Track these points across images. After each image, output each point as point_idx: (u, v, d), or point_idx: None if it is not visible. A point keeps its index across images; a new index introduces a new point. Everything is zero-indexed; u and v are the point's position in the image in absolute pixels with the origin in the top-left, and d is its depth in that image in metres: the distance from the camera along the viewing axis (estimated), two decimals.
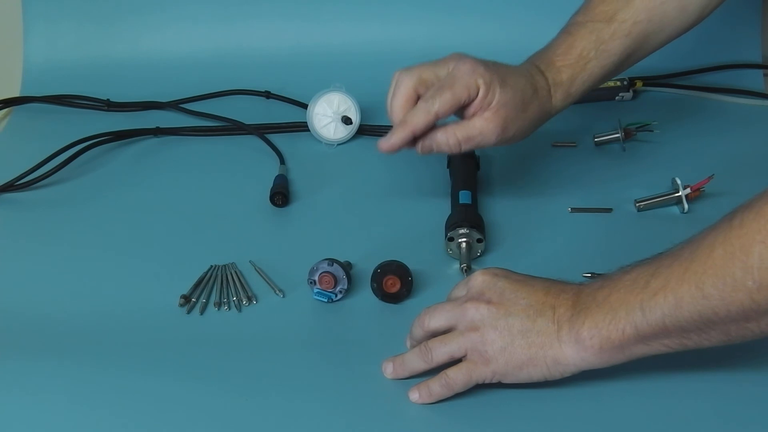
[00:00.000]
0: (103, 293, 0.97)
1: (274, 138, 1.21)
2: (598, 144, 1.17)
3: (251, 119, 1.24)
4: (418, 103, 0.90)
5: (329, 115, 1.20)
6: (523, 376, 0.79)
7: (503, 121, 0.91)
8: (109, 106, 1.30)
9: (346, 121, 1.20)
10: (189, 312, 0.94)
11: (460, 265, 0.97)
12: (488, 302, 0.80)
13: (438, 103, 0.89)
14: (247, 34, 1.36)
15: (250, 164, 1.17)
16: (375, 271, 0.94)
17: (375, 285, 0.94)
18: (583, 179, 1.11)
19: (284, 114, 1.26)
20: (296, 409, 0.82)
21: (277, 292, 0.96)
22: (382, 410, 0.82)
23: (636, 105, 1.26)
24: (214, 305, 0.95)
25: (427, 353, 0.82)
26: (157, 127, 1.24)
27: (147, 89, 1.31)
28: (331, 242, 1.02)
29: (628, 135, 1.16)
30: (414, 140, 0.92)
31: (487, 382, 0.80)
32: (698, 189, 1.04)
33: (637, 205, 1.06)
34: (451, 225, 0.99)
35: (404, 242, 1.01)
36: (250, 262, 1.00)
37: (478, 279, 0.83)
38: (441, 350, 0.81)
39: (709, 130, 1.20)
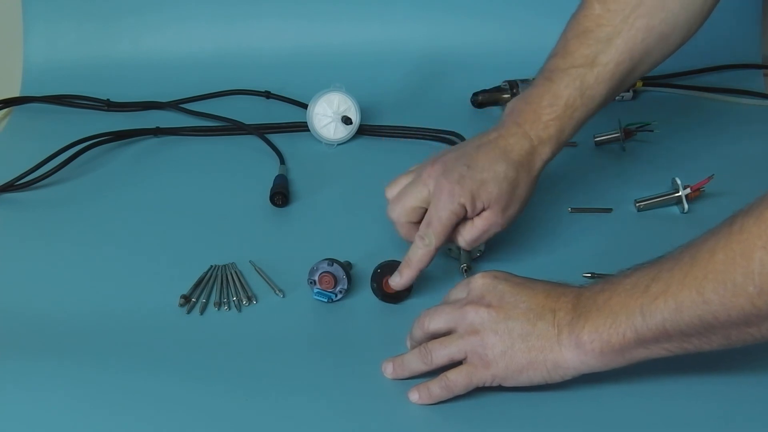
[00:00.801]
0: (103, 293, 0.97)
1: (274, 138, 1.21)
2: (598, 144, 1.17)
3: (251, 119, 1.24)
4: (416, 240, 0.93)
5: (329, 115, 1.20)
6: (523, 380, 0.80)
7: (502, 213, 0.93)
8: (109, 106, 1.30)
9: (346, 121, 1.20)
10: (189, 312, 0.94)
11: (460, 265, 0.97)
12: (488, 306, 0.80)
13: (434, 239, 0.92)
14: (247, 34, 1.36)
15: (250, 164, 1.17)
16: (375, 271, 0.94)
17: (375, 285, 0.94)
18: (583, 179, 1.11)
19: (284, 114, 1.26)
20: (296, 409, 0.82)
21: (277, 292, 0.96)
22: (381, 410, 0.82)
23: (636, 105, 1.26)
24: (214, 305, 0.95)
25: (426, 355, 0.82)
26: (157, 127, 1.24)
27: (147, 89, 1.31)
28: (331, 242, 1.02)
29: (628, 135, 1.16)
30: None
31: (487, 385, 0.80)
32: (698, 189, 1.04)
33: (637, 205, 1.06)
34: None
35: (404, 242, 1.01)
36: (250, 262, 1.00)
37: (479, 282, 0.83)
38: (441, 352, 0.81)
39: (709, 130, 1.20)
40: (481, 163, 0.92)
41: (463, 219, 0.93)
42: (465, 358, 0.80)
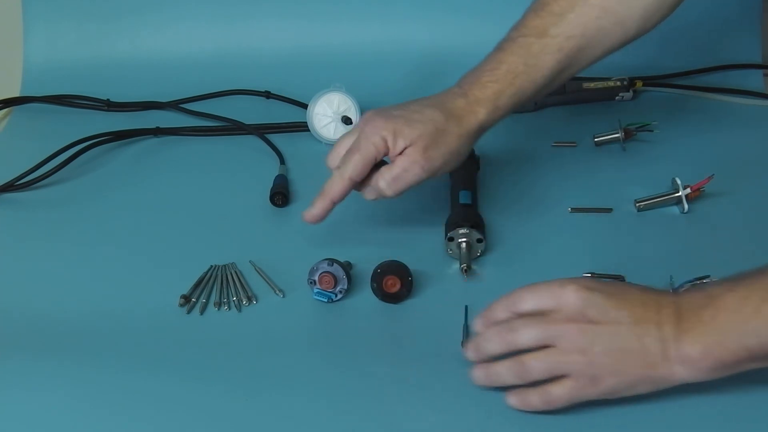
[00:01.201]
0: (103, 293, 0.97)
1: (274, 138, 1.21)
2: (598, 144, 1.17)
3: (251, 119, 1.24)
4: (333, 171, 0.93)
5: (329, 115, 1.20)
6: (629, 393, 0.78)
7: (422, 153, 0.92)
8: (109, 106, 1.30)
9: (346, 121, 1.20)
10: (189, 312, 0.94)
11: (460, 265, 0.97)
12: (591, 322, 0.78)
13: (349, 168, 0.91)
14: (247, 34, 1.36)
15: (250, 164, 1.17)
16: (375, 271, 0.94)
17: (375, 285, 0.94)
18: (583, 179, 1.11)
19: (284, 114, 1.26)
20: (296, 409, 0.82)
21: (277, 292, 0.96)
22: (381, 410, 0.82)
23: (636, 105, 1.26)
24: (214, 305, 0.95)
25: (524, 372, 0.79)
26: (157, 127, 1.24)
27: (147, 89, 1.31)
28: (331, 242, 1.02)
29: (628, 135, 1.16)
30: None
31: (590, 399, 0.79)
32: (698, 189, 1.04)
33: (637, 205, 1.06)
34: (451, 225, 0.99)
35: (404, 242, 1.01)
36: (250, 262, 1.00)
37: (572, 296, 0.78)
38: (539, 369, 0.78)
39: (709, 130, 1.20)
40: (413, 108, 0.94)
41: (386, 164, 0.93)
42: (567, 375, 0.78)
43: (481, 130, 0.96)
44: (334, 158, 0.95)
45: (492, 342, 0.81)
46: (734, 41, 1.32)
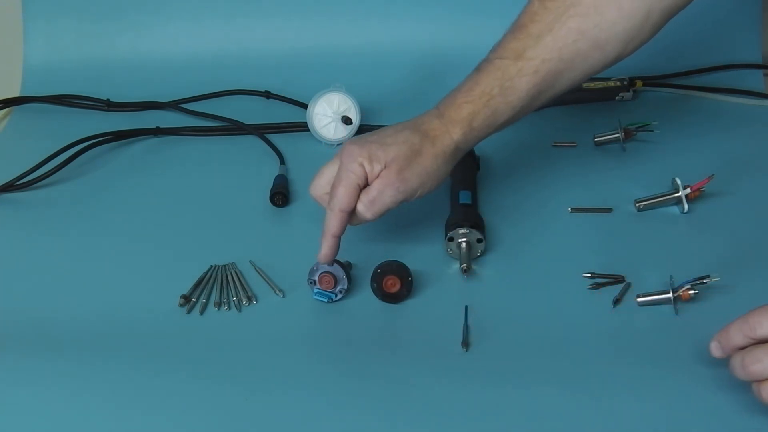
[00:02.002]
0: (103, 293, 0.97)
1: (274, 138, 1.21)
2: (598, 144, 1.17)
3: (251, 119, 1.24)
4: (319, 202, 0.96)
5: (329, 115, 1.20)
6: None
7: (397, 174, 0.92)
8: (109, 106, 1.30)
9: (346, 121, 1.20)
10: (189, 312, 0.94)
11: (460, 265, 0.97)
12: None
13: (337, 201, 0.92)
14: (247, 34, 1.35)
15: (250, 164, 1.17)
16: (375, 271, 0.94)
17: (375, 285, 0.94)
18: (583, 179, 1.11)
19: (284, 114, 1.26)
20: (296, 409, 0.82)
21: (277, 292, 0.96)
22: (381, 410, 0.82)
23: (636, 105, 1.26)
24: (214, 305, 0.95)
25: None
26: (157, 127, 1.24)
27: (147, 89, 1.31)
28: None
29: (628, 135, 1.16)
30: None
31: None
32: (698, 189, 1.04)
33: (637, 205, 1.06)
34: (451, 225, 0.99)
35: (404, 242, 1.01)
36: (250, 262, 1.00)
37: None
38: None
39: (709, 130, 1.20)
40: (388, 132, 0.95)
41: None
42: None
43: (458, 150, 0.96)
44: (315, 187, 0.96)
45: (730, 336, 0.78)
46: (734, 41, 1.32)
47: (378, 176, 0.92)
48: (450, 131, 0.94)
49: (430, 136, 0.94)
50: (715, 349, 0.80)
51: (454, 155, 0.96)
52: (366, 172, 0.92)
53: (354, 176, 0.92)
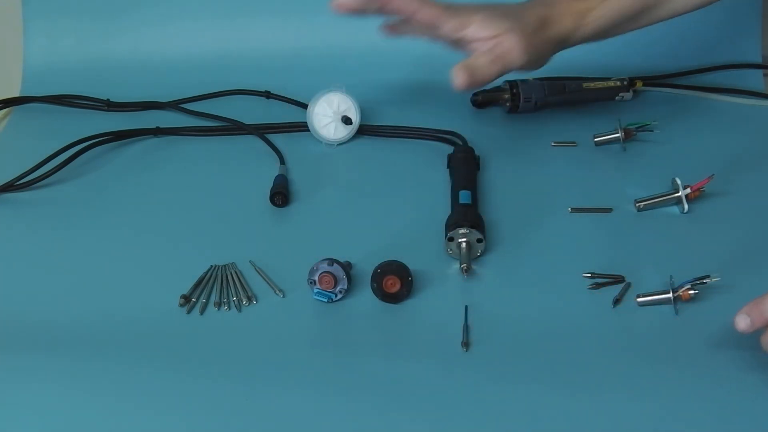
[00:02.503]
0: (103, 293, 0.97)
1: (274, 138, 1.21)
2: (598, 144, 1.17)
3: (251, 119, 1.24)
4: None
5: (329, 115, 1.20)
6: None
7: (529, 37, 1.01)
8: (109, 106, 1.30)
9: (346, 121, 1.20)
10: (189, 312, 0.94)
11: (460, 265, 0.97)
12: None
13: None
14: (247, 34, 1.35)
15: (250, 164, 1.17)
16: (375, 271, 0.94)
17: (375, 285, 0.94)
18: (583, 179, 1.11)
19: (284, 114, 1.26)
20: (296, 409, 0.82)
21: (277, 292, 0.96)
22: (381, 410, 0.82)
23: (636, 105, 1.26)
24: (214, 305, 0.95)
25: None
26: (157, 127, 1.23)
27: (147, 89, 1.31)
28: (331, 242, 1.02)
29: (628, 135, 1.16)
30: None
31: None
32: (698, 189, 1.04)
33: (637, 205, 1.06)
34: (451, 225, 0.99)
35: (404, 242, 1.01)
36: (250, 262, 1.00)
37: None
38: None
39: (709, 130, 1.20)
40: (516, 6, 1.05)
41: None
42: None
43: (567, 42, 1.06)
44: None
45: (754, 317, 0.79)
46: (734, 41, 1.32)
47: (504, 35, 1.00)
48: (577, 21, 1.05)
49: (554, 16, 1.04)
50: (742, 322, 0.78)
51: (563, 44, 1.06)
52: (476, 30, 1.01)
53: (463, 16, 1.02)
